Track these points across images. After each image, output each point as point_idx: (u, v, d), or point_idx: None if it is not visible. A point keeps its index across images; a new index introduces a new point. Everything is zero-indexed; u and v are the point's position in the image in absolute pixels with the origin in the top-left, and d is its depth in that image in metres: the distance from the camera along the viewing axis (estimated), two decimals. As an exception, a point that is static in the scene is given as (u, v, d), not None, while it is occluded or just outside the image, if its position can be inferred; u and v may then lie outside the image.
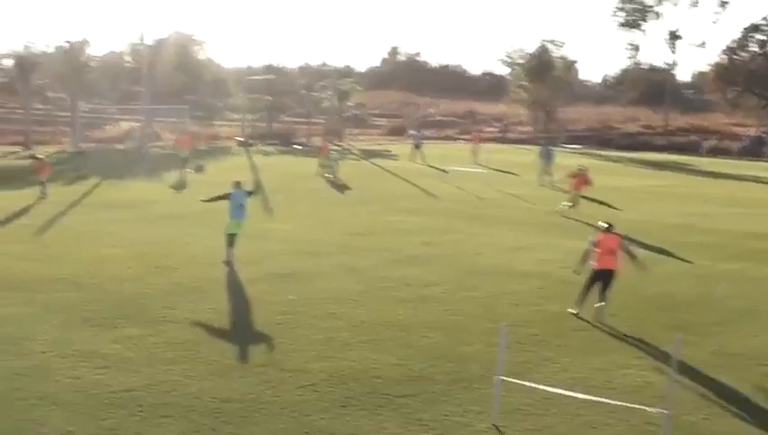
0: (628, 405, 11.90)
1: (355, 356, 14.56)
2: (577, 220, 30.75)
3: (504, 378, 11.79)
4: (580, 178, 33.43)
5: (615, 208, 35.02)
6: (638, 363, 14.62)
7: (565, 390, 12.39)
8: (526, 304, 18.53)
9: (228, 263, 21.95)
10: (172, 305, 17.58)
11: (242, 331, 16.11)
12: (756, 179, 51.66)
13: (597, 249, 17.69)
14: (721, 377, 14.02)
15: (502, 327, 11.83)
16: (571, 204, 32.87)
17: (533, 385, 12.37)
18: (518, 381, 12.21)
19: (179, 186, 39.55)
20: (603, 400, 12.09)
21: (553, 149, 46.85)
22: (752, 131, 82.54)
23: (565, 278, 20.98)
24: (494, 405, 11.85)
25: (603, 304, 17.57)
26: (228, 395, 12.62)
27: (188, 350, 14.71)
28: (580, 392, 12.36)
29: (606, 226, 18.04)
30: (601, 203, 36.40)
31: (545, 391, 12.31)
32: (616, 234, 18.18)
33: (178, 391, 12.71)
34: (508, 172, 49.99)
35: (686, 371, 13.75)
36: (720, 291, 20.36)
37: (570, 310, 17.86)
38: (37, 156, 38.12)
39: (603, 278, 17.66)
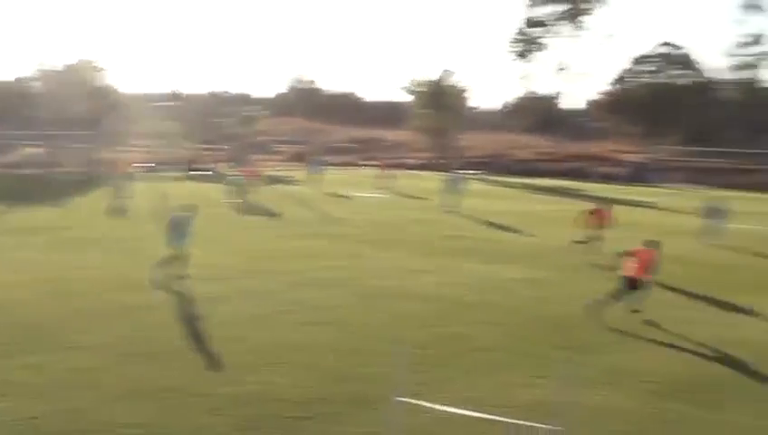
0: (527, 423, 11.98)
1: (258, 379, 14.41)
2: (481, 244, 31.14)
3: (402, 399, 11.77)
4: (599, 214, 30.89)
5: (514, 232, 35.51)
6: (533, 382, 14.74)
7: (462, 409, 12.40)
8: (425, 326, 18.56)
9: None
10: (77, 332, 17.17)
11: (147, 356, 15.77)
12: (640, 204, 52.81)
13: (630, 258, 20.08)
14: (610, 394, 14.22)
15: (400, 348, 11.82)
16: (586, 241, 30.23)
17: (431, 405, 12.35)
18: (416, 402, 12.18)
19: (115, 211, 38.75)
20: (499, 418, 12.14)
21: (461, 176, 47.00)
22: (636, 158, 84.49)
23: (463, 300, 21.20)
24: (393, 426, 11.82)
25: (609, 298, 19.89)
26: (132, 420, 12.35)
27: (93, 376, 14.38)
28: (478, 411, 12.40)
29: (649, 242, 20.63)
30: (499, 227, 36.92)
31: (443, 410, 12.33)
32: (653, 250, 20.28)
33: (83, 418, 12.41)
34: (411, 197, 50.22)
35: (577, 388, 13.84)
36: (609, 311, 20.61)
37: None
38: None
39: (629, 284, 19.80)
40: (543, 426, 11.67)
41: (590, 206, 32.02)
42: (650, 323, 19.50)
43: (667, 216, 45.36)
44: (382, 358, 15.69)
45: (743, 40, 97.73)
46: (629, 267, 19.96)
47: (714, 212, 34.99)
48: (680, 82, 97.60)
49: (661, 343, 17.87)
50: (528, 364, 15.88)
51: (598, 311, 19.74)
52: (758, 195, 59.32)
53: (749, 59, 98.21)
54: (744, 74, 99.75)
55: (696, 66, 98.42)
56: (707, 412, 13.50)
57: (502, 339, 17.70)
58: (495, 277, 24.73)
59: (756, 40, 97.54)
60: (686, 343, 17.97)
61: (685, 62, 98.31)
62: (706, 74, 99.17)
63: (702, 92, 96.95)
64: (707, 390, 14.72)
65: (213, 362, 15.47)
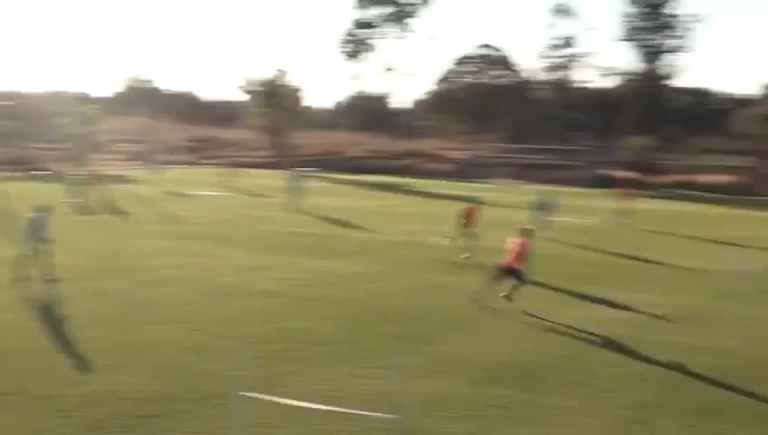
0: (365, 413, 12.11)
1: (105, 379, 14.02)
2: (320, 240, 31.25)
3: (247, 393, 11.71)
4: (470, 212, 29.72)
5: (351, 227, 35.75)
6: (372, 373, 14.81)
7: (307, 402, 12.43)
8: (268, 322, 18.44)
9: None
10: None
11: (-11, 359, 15.19)
12: (467, 199, 53.82)
13: (508, 249, 20.67)
14: (445, 382, 14.46)
15: (244, 344, 11.75)
16: (457, 240, 29.24)
17: (275, 399, 12.33)
18: (260, 396, 12.13)
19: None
20: (342, 409, 12.23)
21: (302, 173, 46.68)
22: (462, 155, 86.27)
23: (303, 295, 21.22)
24: (240, 421, 11.75)
25: (506, 294, 20.50)
26: (-24, 426, 11.88)
27: (-67, 382, 13.72)
28: (321, 403, 12.46)
29: (524, 230, 21.29)
30: (337, 223, 37.12)
31: (286, 404, 12.32)
32: (526, 239, 20.76)
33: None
34: (252, 195, 49.89)
35: (413, 377, 14.09)
36: (435, 302, 21.06)
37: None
38: None
39: (508, 273, 20.48)
40: (381, 415, 11.84)
41: (462, 205, 31.68)
42: (487, 312, 19.93)
43: (495, 210, 46.55)
44: (227, 354, 15.49)
45: (554, 43, 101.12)
46: (506, 257, 20.49)
47: (543, 206, 36.12)
48: (500, 82, 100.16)
49: (496, 332, 18.19)
50: (367, 356, 15.98)
51: (478, 299, 20.33)
52: (573, 189, 61.57)
53: (560, 60, 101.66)
54: (557, 75, 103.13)
55: (515, 67, 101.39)
56: (533, 396, 13.85)
57: (341, 332, 17.77)
58: (334, 272, 24.84)
59: (566, 43, 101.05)
60: (520, 331, 18.37)
61: (504, 63, 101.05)
62: (524, 75, 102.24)
63: (521, 92, 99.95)
64: (535, 375, 15.06)
65: (59, 363, 14.97)
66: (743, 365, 16.22)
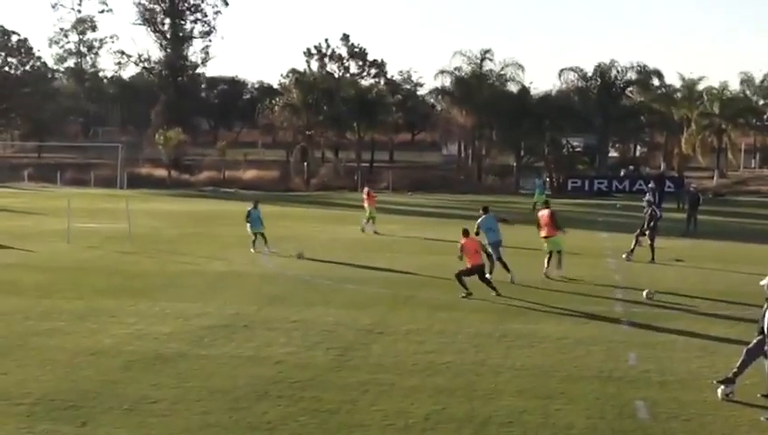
0: None
1: None
2: None
3: None
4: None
5: None
6: None
7: None
8: None
9: None
10: None
11: None
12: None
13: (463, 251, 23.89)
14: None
15: None
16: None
17: None
18: None
19: None
20: None
21: None
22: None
23: None
24: None
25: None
26: None
27: None
28: None
29: (466, 231, 24.17)
30: None
31: None
32: (475, 238, 24.52)
33: None
34: None
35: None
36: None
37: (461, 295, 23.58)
38: None
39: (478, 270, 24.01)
40: None
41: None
42: (21, 338, 18.97)
43: (28, 218, 44.92)
44: None
45: (66, 26, 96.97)
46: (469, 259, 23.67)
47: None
48: (14, 70, 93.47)
49: (41, 359, 17.18)
50: None
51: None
52: (107, 190, 60.31)
53: (75, 46, 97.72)
54: (75, 63, 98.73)
55: (30, 54, 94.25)
56: (81, 429, 13.33)
57: None
58: None
59: (81, 26, 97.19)
60: (66, 357, 17.45)
61: (18, 49, 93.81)
62: (41, 63, 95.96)
63: (40, 83, 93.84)
64: (83, 405, 14.40)
65: None
66: (290, 374, 16.41)
